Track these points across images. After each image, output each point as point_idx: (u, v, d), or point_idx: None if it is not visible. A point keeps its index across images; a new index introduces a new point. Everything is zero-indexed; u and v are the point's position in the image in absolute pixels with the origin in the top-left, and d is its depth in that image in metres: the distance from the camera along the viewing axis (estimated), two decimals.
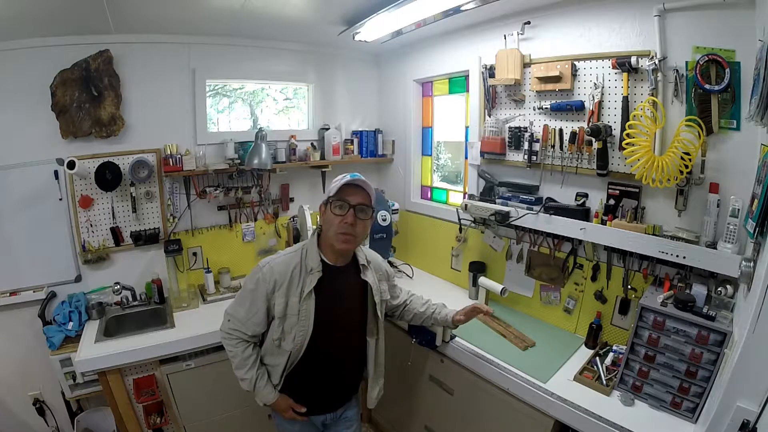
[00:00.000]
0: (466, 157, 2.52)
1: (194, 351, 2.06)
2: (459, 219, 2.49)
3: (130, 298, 2.35)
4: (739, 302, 1.37)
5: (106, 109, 2.19)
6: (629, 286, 1.78)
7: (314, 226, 2.32)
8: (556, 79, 1.88)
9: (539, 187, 2.07)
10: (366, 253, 1.60)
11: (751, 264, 1.16)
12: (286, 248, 1.56)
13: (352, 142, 2.97)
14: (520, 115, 2.10)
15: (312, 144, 2.82)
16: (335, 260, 1.48)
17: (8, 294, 2.14)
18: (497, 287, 2.04)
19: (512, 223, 2.07)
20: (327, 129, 2.84)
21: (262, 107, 2.94)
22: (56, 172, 2.18)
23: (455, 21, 2.13)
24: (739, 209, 1.37)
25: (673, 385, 1.45)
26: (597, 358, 1.75)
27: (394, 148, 3.07)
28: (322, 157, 2.81)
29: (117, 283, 2.26)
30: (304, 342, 1.42)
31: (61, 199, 2.21)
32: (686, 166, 1.46)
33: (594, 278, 1.90)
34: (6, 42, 1.99)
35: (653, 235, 1.59)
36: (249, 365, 1.48)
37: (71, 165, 2.05)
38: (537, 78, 1.95)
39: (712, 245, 1.45)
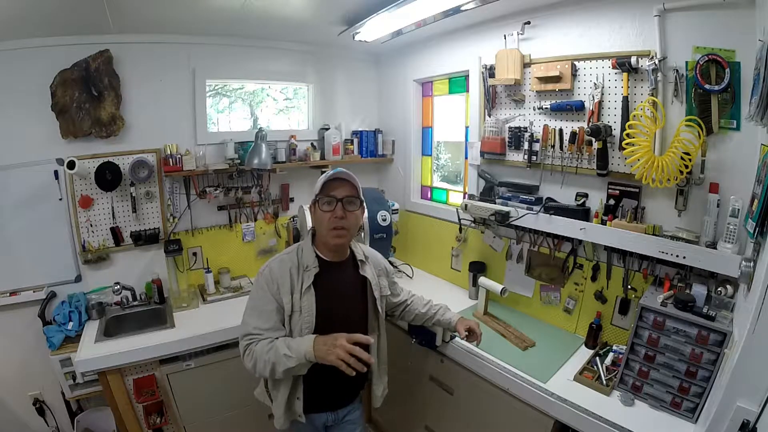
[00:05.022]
0: (466, 157, 2.52)
1: (194, 351, 2.06)
2: (459, 219, 2.49)
3: (130, 298, 2.35)
4: (739, 302, 1.37)
5: (106, 109, 2.19)
6: (629, 286, 1.78)
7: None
8: (556, 79, 1.88)
9: (539, 187, 2.07)
10: (363, 249, 1.61)
11: (751, 264, 1.16)
12: (284, 250, 1.57)
13: (352, 142, 2.96)
14: (520, 115, 2.10)
15: (312, 144, 2.82)
16: (332, 257, 1.49)
17: (8, 294, 2.14)
18: (497, 287, 2.04)
19: (512, 223, 2.07)
20: (327, 129, 2.84)
21: (262, 107, 2.94)
22: (56, 172, 2.18)
23: (455, 21, 2.12)
24: (739, 209, 1.37)
25: (673, 385, 1.45)
26: (597, 358, 1.75)
27: (394, 148, 3.06)
28: (322, 157, 2.81)
29: (117, 283, 2.26)
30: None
31: (61, 199, 2.21)
32: (686, 166, 1.46)
33: (594, 278, 1.90)
34: (6, 42, 1.99)
35: (653, 235, 1.59)
36: (271, 345, 1.35)
37: (71, 165, 2.05)
38: (537, 78, 1.95)
39: (712, 245, 1.45)
